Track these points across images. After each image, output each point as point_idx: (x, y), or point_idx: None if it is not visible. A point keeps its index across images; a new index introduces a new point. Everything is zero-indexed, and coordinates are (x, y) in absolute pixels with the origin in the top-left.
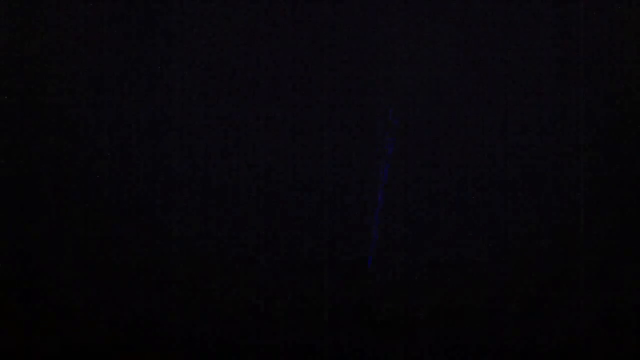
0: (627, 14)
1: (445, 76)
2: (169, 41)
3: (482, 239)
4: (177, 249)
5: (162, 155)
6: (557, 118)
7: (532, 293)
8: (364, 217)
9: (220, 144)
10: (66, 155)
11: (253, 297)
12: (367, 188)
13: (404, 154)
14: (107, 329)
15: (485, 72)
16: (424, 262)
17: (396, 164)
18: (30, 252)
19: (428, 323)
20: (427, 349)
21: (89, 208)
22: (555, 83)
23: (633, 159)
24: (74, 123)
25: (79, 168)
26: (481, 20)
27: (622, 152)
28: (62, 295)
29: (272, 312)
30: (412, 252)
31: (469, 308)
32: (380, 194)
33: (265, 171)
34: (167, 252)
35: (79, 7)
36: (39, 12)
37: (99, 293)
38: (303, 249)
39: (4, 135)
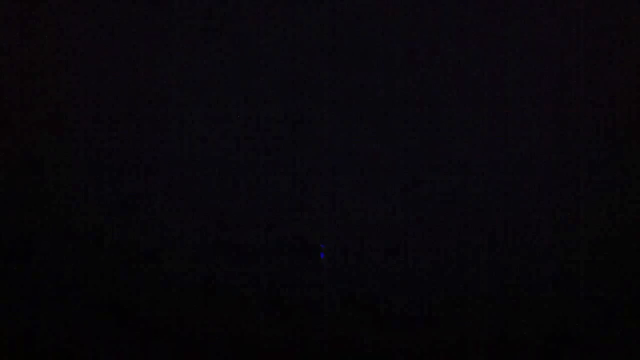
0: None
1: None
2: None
3: (481, 240)
4: (176, 245)
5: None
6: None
7: (532, 294)
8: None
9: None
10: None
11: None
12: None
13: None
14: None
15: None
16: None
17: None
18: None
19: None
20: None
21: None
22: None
23: (633, 159)
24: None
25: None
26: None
27: (623, 151)
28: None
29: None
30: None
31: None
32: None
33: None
34: (166, 250)
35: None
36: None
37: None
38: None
39: None
